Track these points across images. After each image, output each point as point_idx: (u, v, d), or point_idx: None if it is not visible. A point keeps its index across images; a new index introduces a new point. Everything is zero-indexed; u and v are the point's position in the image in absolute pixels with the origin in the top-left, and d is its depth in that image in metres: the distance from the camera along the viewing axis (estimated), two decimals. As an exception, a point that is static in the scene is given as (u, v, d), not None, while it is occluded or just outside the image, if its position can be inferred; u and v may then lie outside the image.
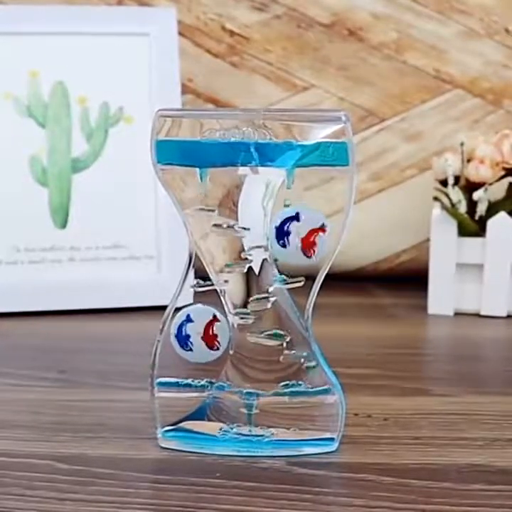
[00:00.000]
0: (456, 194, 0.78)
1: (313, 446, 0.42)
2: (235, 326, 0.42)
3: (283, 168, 0.39)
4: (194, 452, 0.42)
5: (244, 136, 0.39)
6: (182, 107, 0.83)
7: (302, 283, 0.42)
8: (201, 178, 0.40)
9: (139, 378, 0.51)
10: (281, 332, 0.42)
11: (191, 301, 0.42)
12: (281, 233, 0.40)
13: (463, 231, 0.77)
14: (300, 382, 0.42)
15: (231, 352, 0.42)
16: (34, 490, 0.38)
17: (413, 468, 0.41)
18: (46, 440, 0.44)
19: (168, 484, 0.39)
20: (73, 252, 0.79)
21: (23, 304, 0.76)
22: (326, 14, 0.90)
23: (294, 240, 0.40)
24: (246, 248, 0.42)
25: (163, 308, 0.43)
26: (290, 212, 0.40)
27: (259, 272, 0.42)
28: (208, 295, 0.42)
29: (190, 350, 0.42)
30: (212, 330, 0.42)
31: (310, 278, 0.42)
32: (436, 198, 0.80)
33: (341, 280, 0.84)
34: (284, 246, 0.40)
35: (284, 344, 0.42)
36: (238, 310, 0.42)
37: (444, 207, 0.78)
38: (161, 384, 0.43)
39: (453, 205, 0.78)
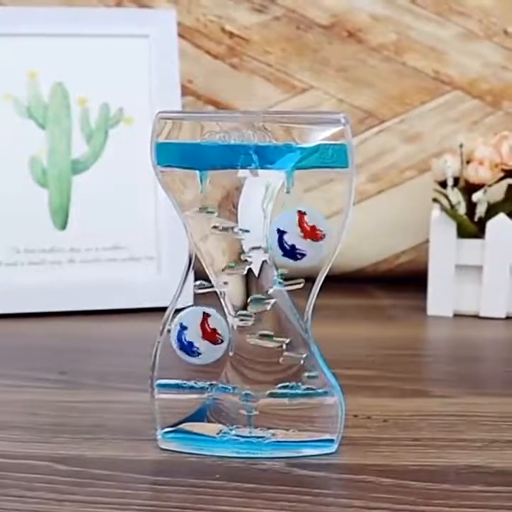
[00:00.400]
0: (456, 195, 0.78)
1: (313, 448, 0.43)
2: (235, 327, 0.42)
3: (283, 171, 0.40)
4: (194, 454, 0.42)
5: (244, 139, 0.39)
6: (182, 109, 0.83)
7: (302, 284, 0.42)
8: (201, 181, 0.40)
9: (139, 379, 0.51)
10: (281, 334, 0.42)
11: (191, 303, 0.43)
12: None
13: (462, 232, 0.78)
14: (300, 384, 0.42)
15: (231, 353, 0.43)
16: (33, 491, 0.38)
17: (412, 469, 0.41)
18: (45, 441, 0.44)
19: (167, 486, 0.39)
20: (73, 254, 0.79)
21: (23, 306, 0.76)
22: (326, 16, 0.90)
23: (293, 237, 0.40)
24: (245, 250, 0.42)
25: (163, 309, 0.43)
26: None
27: (259, 274, 0.42)
28: (208, 297, 0.42)
29: (199, 354, 0.42)
30: (209, 326, 0.42)
31: (309, 279, 0.42)
32: (435, 200, 0.80)
33: (341, 281, 0.84)
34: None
35: (284, 346, 0.42)
36: (238, 312, 0.42)
37: (443, 208, 0.78)
38: (161, 385, 0.43)
39: (452, 206, 0.78)
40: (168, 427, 0.43)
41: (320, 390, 0.42)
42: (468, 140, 0.79)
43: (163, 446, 0.43)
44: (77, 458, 0.42)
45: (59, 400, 0.52)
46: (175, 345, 0.42)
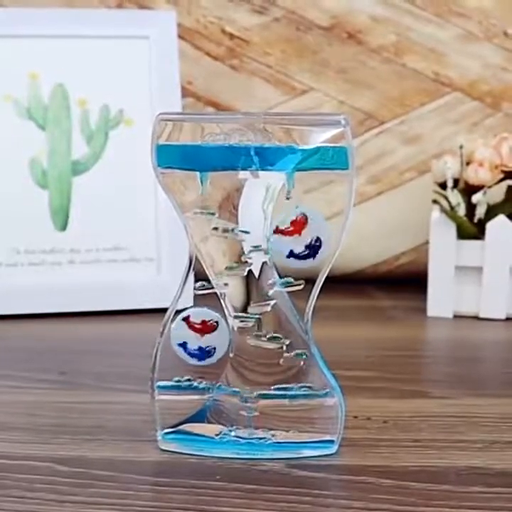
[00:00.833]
0: (455, 197, 0.78)
1: (313, 449, 0.43)
2: (235, 329, 0.42)
3: (283, 172, 0.40)
4: (194, 455, 0.42)
5: (245, 140, 0.39)
6: (182, 111, 0.83)
7: (302, 286, 0.42)
8: (201, 182, 0.40)
9: (139, 380, 0.51)
10: (281, 335, 0.42)
11: (191, 304, 0.43)
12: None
13: (462, 234, 0.78)
14: (300, 385, 0.42)
15: (231, 355, 0.43)
16: (34, 492, 0.38)
17: (412, 470, 0.41)
18: (46, 442, 0.44)
19: (168, 487, 0.39)
20: (73, 255, 0.79)
21: (23, 306, 0.76)
22: (325, 17, 0.90)
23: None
24: (246, 251, 0.42)
25: (164, 310, 0.43)
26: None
27: (259, 275, 0.42)
28: (207, 298, 0.42)
29: (214, 350, 0.42)
30: (196, 323, 0.42)
31: (310, 281, 0.42)
32: (435, 201, 0.80)
33: (341, 283, 0.84)
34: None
35: (284, 347, 0.42)
36: (238, 313, 0.42)
37: (443, 209, 0.78)
38: (161, 387, 0.43)
39: (452, 207, 0.78)
40: (168, 427, 0.43)
41: (320, 391, 0.42)
42: (468, 141, 0.79)
43: (163, 447, 0.43)
44: (78, 459, 0.42)
45: (59, 401, 0.52)
46: (191, 361, 0.42)
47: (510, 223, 0.76)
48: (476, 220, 0.77)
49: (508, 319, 0.77)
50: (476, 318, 0.77)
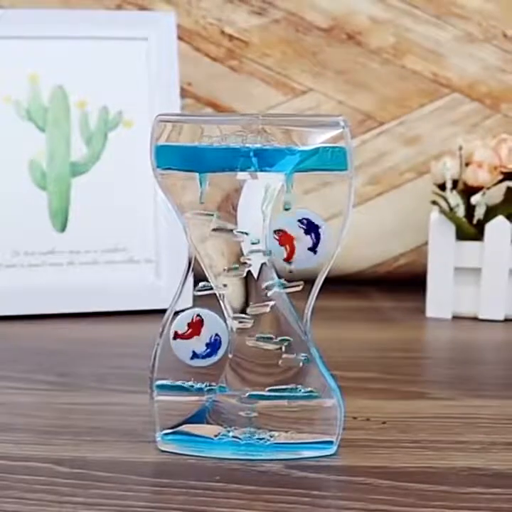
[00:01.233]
0: (455, 198, 0.78)
1: (312, 450, 0.43)
2: (234, 329, 0.42)
3: (282, 173, 0.40)
4: (193, 455, 0.43)
5: (244, 141, 0.39)
6: (181, 112, 0.83)
7: (301, 287, 0.42)
8: (201, 183, 0.40)
9: (138, 381, 0.51)
10: (280, 336, 0.42)
11: (190, 305, 0.43)
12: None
13: (461, 235, 0.78)
14: (299, 386, 0.42)
15: (230, 356, 0.43)
16: (34, 493, 0.38)
17: (411, 471, 0.41)
18: (46, 443, 0.44)
19: (167, 487, 0.39)
20: (72, 256, 0.79)
21: (22, 308, 0.76)
22: (325, 18, 0.90)
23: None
24: (245, 252, 0.42)
25: (163, 311, 0.43)
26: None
27: (258, 276, 0.42)
28: (207, 299, 0.42)
29: (220, 343, 0.42)
30: (185, 331, 0.42)
31: (309, 282, 0.42)
32: (434, 202, 0.80)
33: (340, 284, 0.84)
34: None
35: (283, 348, 0.42)
36: (237, 314, 0.42)
37: (442, 211, 0.78)
38: (160, 387, 0.43)
39: (451, 208, 0.78)
40: (167, 428, 0.43)
41: (319, 392, 0.42)
42: (467, 142, 0.79)
43: (162, 448, 0.43)
44: (78, 460, 0.42)
45: (58, 402, 0.52)
46: (204, 363, 0.42)
47: (509, 224, 0.76)
48: (475, 221, 0.77)
49: (506, 320, 0.77)
50: (475, 319, 0.77)
